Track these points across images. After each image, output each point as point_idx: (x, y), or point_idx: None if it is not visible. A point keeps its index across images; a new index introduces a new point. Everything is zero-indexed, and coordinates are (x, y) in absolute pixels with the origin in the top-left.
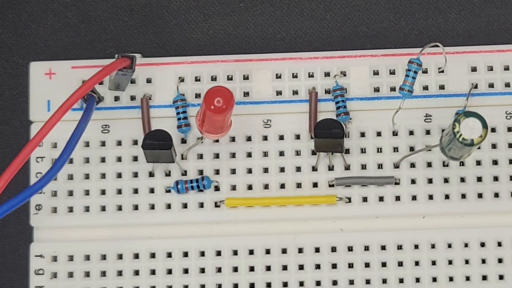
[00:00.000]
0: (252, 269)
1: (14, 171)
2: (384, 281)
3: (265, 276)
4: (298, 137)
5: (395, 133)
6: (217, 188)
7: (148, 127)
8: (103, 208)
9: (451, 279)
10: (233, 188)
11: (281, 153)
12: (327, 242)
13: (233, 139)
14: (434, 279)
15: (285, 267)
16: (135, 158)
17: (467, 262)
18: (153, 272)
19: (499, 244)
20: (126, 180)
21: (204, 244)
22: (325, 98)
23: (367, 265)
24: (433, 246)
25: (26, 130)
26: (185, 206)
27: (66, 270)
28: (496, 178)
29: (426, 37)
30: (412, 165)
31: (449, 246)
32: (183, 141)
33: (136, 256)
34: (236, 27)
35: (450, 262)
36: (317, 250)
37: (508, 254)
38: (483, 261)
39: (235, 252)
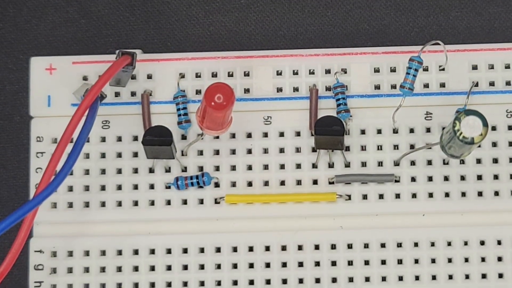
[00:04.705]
0: (251, 266)
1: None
2: (384, 278)
3: (264, 273)
4: (298, 134)
5: (395, 131)
6: (217, 185)
7: (149, 123)
8: (103, 204)
9: (450, 277)
10: (233, 184)
11: (281, 150)
12: (327, 239)
13: (233, 136)
14: (434, 277)
15: (284, 264)
16: (135, 154)
17: (466, 260)
18: (152, 268)
19: (499, 243)
20: (126, 176)
21: (203, 240)
22: (325, 95)
23: (366, 262)
24: (432, 244)
25: (27, 125)
26: (185, 202)
27: (66, 265)
28: (496, 177)
29: (427, 35)
30: (413, 163)
31: (449, 244)
32: (183, 137)
33: (136, 252)
34: (237, 23)
35: (449, 260)
36: (316, 247)
37: (507, 253)
38: (483, 259)
39: (235, 249)
